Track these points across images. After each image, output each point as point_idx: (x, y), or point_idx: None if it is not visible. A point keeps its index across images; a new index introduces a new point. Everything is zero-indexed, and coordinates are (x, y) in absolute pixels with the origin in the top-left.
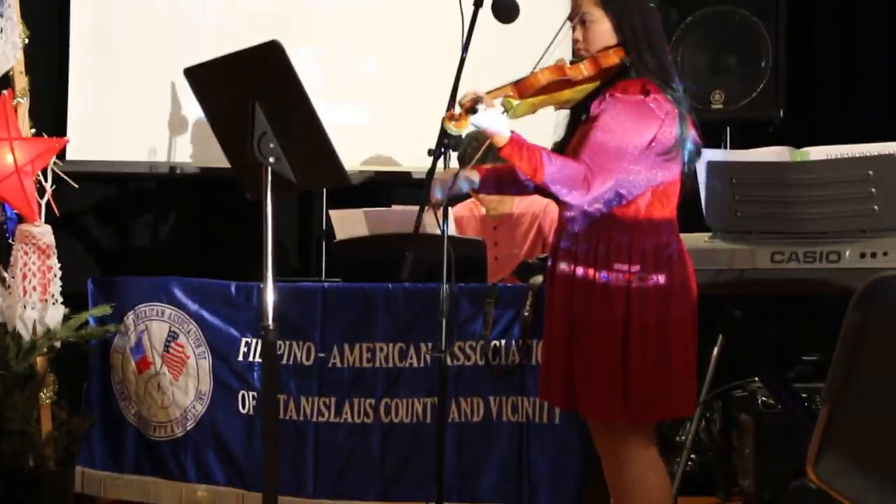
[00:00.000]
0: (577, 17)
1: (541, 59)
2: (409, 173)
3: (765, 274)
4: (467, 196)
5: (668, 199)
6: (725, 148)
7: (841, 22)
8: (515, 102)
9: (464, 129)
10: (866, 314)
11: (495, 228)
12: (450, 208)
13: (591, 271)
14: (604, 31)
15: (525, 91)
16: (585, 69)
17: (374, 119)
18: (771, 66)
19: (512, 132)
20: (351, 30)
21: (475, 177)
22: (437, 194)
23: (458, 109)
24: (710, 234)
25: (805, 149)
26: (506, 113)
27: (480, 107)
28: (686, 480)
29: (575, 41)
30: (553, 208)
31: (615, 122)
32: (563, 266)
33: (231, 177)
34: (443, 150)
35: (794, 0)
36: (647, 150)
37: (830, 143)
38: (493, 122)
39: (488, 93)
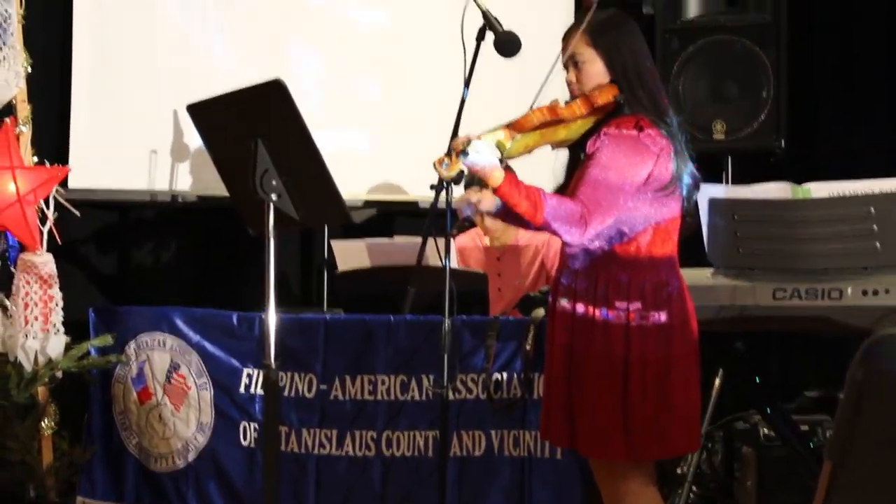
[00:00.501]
0: (568, 58)
1: (535, 99)
2: (415, 203)
3: (767, 310)
4: (472, 225)
5: (669, 237)
6: (726, 178)
7: (842, 52)
8: (508, 144)
9: (454, 171)
10: (869, 372)
11: (499, 259)
12: (452, 240)
13: (591, 308)
14: (596, 70)
15: (518, 132)
16: (578, 108)
17: (378, 147)
18: (772, 95)
19: (507, 171)
20: (355, 57)
21: (474, 198)
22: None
23: (450, 153)
24: (711, 269)
25: (807, 185)
26: (500, 154)
27: (471, 148)
28: None
29: (569, 83)
30: (556, 241)
31: (610, 159)
32: (563, 302)
33: (233, 205)
34: (445, 184)
35: (795, 29)
36: (645, 187)
37: (832, 174)
38: (486, 163)
39: (480, 136)
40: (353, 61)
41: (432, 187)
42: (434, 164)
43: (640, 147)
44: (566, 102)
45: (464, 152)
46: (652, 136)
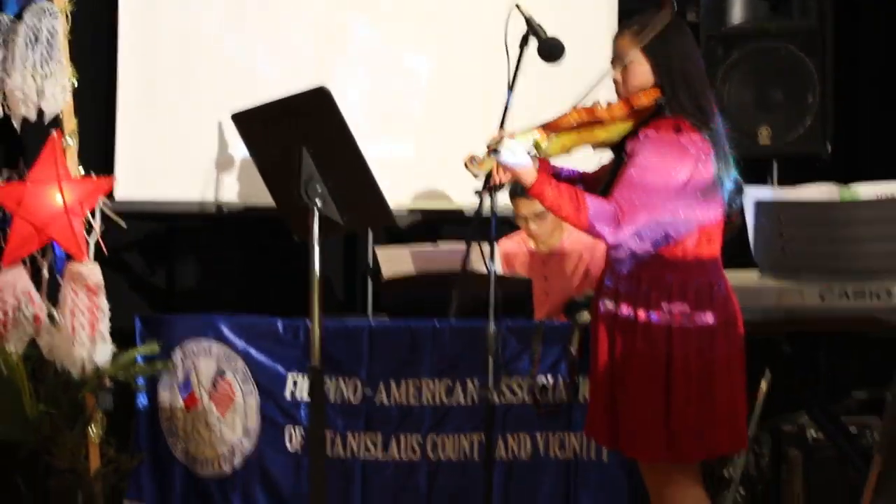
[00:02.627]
0: (616, 57)
1: (580, 101)
2: (459, 211)
3: (813, 312)
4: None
5: (714, 239)
6: (772, 183)
7: (887, 55)
8: (544, 144)
9: (485, 170)
10: None
11: (544, 263)
12: (496, 245)
13: (634, 310)
14: (642, 71)
15: (554, 131)
16: (618, 109)
17: (423, 155)
18: (818, 100)
19: (540, 172)
20: (399, 66)
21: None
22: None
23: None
24: (758, 271)
25: (853, 187)
26: (536, 153)
27: (503, 147)
28: None
29: (615, 81)
30: (601, 245)
31: (646, 160)
32: (606, 304)
33: (277, 214)
34: (489, 191)
35: (840, 34)
36: (684, 189)
37: (878, 178)
38: (519, 160)
39: (515, 134)
40: (396, 70)
41: (477, 193)
42: (465, 162)
43: (678, 149)
44: (607, 103)
45: (495, 150)
46: (691, 138)
